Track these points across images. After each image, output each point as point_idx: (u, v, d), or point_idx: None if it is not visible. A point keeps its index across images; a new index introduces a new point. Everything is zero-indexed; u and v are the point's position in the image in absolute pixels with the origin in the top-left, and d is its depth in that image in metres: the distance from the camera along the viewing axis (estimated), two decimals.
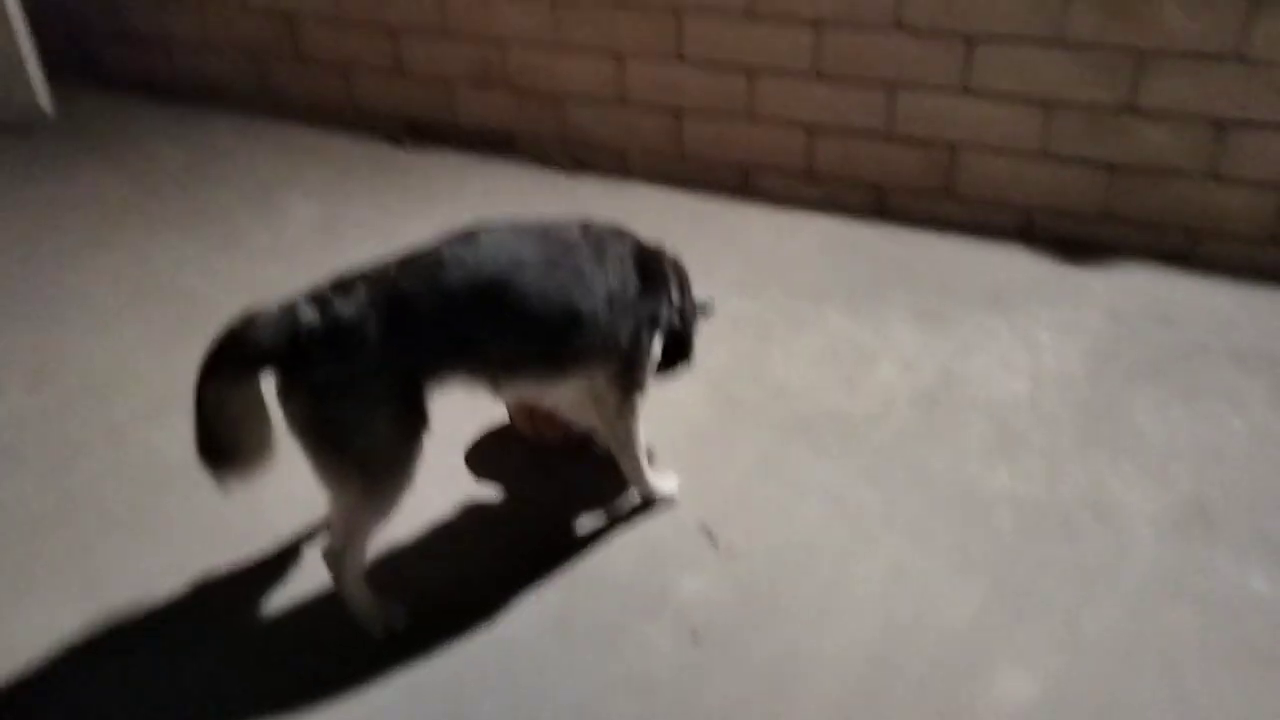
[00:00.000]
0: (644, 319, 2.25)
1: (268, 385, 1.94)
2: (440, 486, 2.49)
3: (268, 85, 4.77)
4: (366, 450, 1.96)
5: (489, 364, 2.09)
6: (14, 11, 4.32)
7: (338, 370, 1.88)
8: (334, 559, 2.09)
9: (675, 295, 2.34)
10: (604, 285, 2.15)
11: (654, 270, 2.29)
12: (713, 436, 2.73)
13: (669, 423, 2.74)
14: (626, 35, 3.93)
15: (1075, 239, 3.59)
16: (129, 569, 2.30)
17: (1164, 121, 3.31)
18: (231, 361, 1.89)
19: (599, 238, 2.22)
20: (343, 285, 1.96)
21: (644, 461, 2.42)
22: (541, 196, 4.06)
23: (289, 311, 1.90)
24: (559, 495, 2.52)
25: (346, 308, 1.90)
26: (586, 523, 2.44)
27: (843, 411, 2.79)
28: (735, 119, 3.92)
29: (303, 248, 3.70)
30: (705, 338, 3.06)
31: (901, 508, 2.46)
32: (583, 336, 2.14)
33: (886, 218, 3.82)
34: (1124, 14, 3.22)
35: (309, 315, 1.89)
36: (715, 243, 3.68)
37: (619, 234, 2.30)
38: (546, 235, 2.16)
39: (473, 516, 2.48)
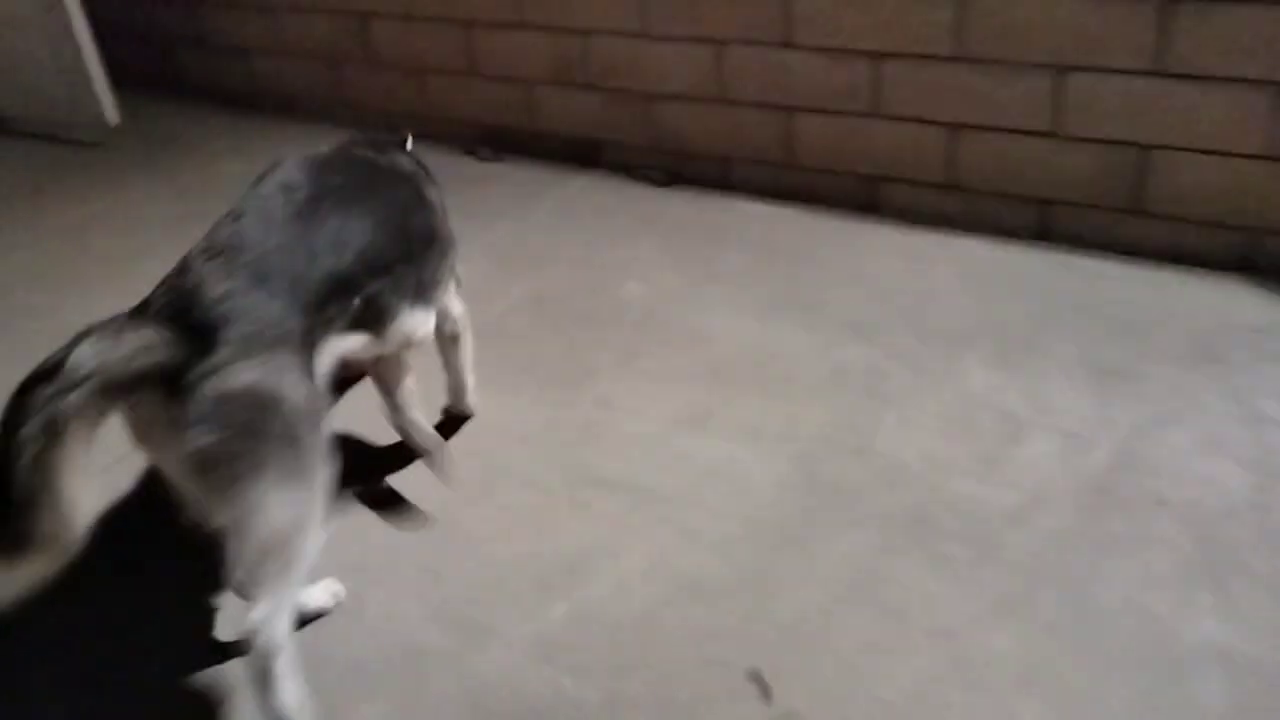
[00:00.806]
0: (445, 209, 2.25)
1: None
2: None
3: (341, 92, 4.46)
4: (283, 439, 1.57)
5: (370, 306, 1.90)
6: (79, 23, 4.16)
7: (235, 349, 1.55)
8: (267, 631, 1.55)
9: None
10: (430, 189, 2.18)
11: (417, 158, 2.30)
12: (789, 535, 2.06)
13: (724, 514, 2.09)
14: (725, 18, 3.36)
15: None
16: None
17: None
18: (78, 390, 1.38)
19: (378, 144, 2.23)
20: (185, 268, 1.67)
21: None
22: (625, 215, 3.49)
23: (144, 309, 1.60)
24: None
25: (216, 287, 1.61)
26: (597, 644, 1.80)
27: (975, 505, 2.10)
28: (859, 117, 3.28)
29: None
30: (797, 397, 2.43)
31: (1049, 658, 1.76)
32: (441, 242, 2.13)
33: (1052, 240, 3.12)
34: None
35: (165, 304, 1.59)
36: (830, 270, 3.05)
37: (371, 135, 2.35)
38: (352, 151, 2.16)
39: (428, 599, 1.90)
